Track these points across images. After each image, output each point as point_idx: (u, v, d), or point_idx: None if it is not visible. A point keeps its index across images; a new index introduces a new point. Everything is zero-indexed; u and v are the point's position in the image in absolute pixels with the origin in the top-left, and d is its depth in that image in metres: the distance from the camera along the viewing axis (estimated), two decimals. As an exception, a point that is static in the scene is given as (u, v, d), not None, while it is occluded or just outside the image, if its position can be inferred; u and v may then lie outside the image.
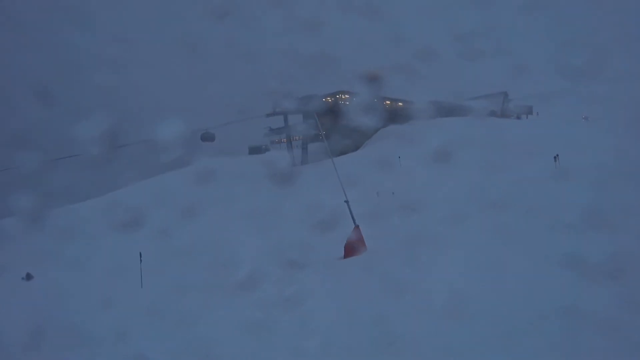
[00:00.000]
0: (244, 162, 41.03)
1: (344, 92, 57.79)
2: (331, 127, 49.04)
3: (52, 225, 17.51)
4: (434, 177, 22.07)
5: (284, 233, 14.44)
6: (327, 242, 12.12)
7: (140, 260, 11.13)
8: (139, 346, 6.95)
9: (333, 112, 54.06)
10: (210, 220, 17.47)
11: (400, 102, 60.63)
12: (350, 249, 12.42)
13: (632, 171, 14.23)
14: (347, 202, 13.42)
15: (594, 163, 17.40)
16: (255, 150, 57.50)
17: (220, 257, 12.56)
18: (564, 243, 9.50)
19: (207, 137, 52.42)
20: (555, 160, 22.12)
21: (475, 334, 6.36)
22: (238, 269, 10.92)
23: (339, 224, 13.20)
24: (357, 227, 12.86)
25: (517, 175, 19.61)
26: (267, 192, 22.16)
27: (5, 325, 8.19)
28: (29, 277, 13.30)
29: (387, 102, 60.75)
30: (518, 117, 62.47)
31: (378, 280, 8.73)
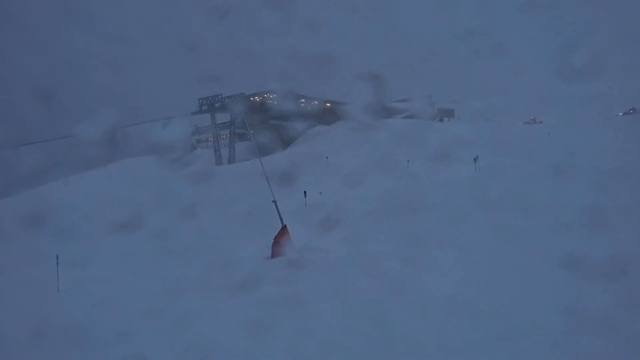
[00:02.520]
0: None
1: (271, 92, 57.41)
2: (259, 126, 48.94)
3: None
4: (361, 177, 22.57)
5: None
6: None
7: (57, 263, 10.93)
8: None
9: (261, 111, 54.02)
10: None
11: (329, 102, 60.99)
12: (278, 249, 12.49)
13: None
14: (274, 202, 13.43)
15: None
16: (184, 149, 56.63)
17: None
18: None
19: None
20: (475, 162, 23.32)
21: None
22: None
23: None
24: (284, 226, 12.96)
25: (439, 178, 20.22)
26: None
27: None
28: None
29: (315, 102, 60.96)
30: (441, 120, 64.05)
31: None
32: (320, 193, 21.93)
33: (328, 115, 56.60)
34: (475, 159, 23.79)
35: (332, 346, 6.49)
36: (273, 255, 12.41)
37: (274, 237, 12.47)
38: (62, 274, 10.89)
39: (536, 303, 7.09)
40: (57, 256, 11.01)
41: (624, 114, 54.71)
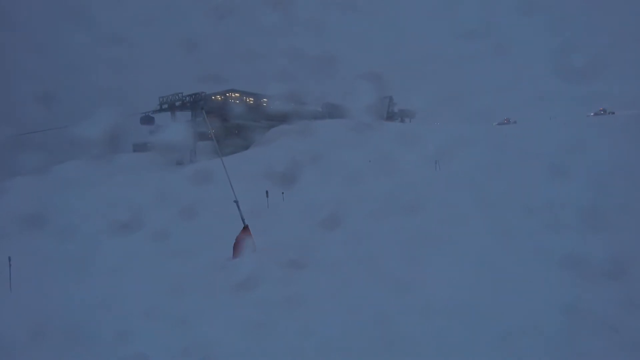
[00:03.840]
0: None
1: (234, 91, 57.00)
2: (221, 126, 48.57)
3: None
4: (322, 177, 22.88)
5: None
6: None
7: (10, 265, 10.89)
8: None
9: (223, 110, 53.69)
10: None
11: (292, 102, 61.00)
12: (238, 249, 12.52)
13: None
14: (236, 202, 13.41)
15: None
16: (139, 147, 55.23)
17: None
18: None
19: (147, 120, 52.71)
20: (435, 165, 23.93)
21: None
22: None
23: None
24: (246, 226, 12.98)
25: (400, 180, 20.54)
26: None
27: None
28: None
29: (278, 102, 60.93)
30: (402, 120, 64.25)
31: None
32: (283, 193, 22.22)
33: (289, 115, 56.56)
34: (435, 162, 24.34)
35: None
36: (234, 256, 12.48)
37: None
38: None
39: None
40: (9, 258, 10.97)
41: (595, 114, 57.45)
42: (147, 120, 53.69)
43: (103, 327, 7.83)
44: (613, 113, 54.84)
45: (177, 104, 55.33)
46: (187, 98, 55.31)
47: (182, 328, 7.50)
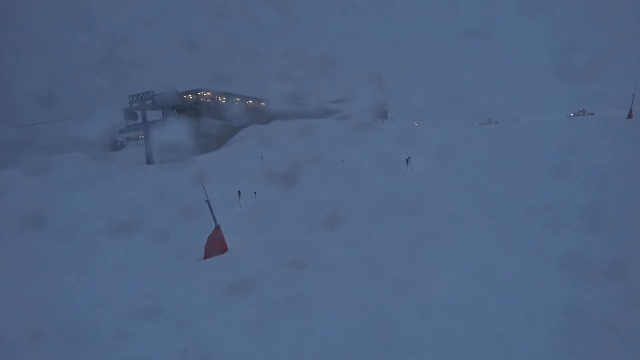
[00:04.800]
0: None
1: (205, 90, 56.43)
2: (193, 125, 47.86)
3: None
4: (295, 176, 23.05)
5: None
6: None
7: None
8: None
9: (194, 109, 53.03)
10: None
11: (263, 102, 60.60)
12: (210, 250, 12.55)
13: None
14: (207, 201, 13.38)
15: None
16: (110, 146, 54.54)
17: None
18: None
19: (130, 115, 52.33)
20: (407, 163, 24.04)
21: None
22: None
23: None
24: (218, 227, 12.97)
25: (370, 180, 20.73)
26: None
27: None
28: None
29: (250, 102, 60.51)
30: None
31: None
32: (255, 193, 22.30)
33: (263, 114, 56.16)
34: (407, 160, 24.45)
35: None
36: (206, 257, 12.46)
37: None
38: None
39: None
40: None
41: (575, 114, 59.46)
42: (131, 115, 53.09)
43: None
44: (592, 114, 55.88)
45: (148, 102, 54.35)
46: (158, 96, 54.44)
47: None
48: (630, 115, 31.14)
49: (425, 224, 12.45)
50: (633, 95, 32.03)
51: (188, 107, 53.53)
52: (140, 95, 53.91)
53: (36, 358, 7.05)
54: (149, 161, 49.07)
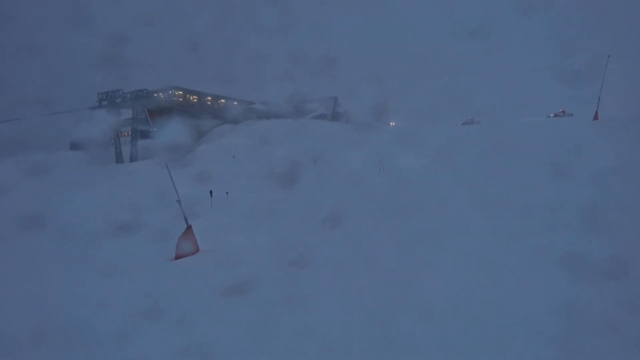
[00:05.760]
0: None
1: (177, 88, 55.71)
2: (163, 124, 47.18)
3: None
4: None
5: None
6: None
7: None
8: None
9: (165, 108, 52.34)
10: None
11: (236, 101, 60.20)
12: (182, 251, 12.51)
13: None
14: (179, 201, 13.31)
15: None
16: (77, 145, 52.41)
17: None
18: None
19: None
20: (379, 165, 24.44)
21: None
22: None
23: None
24: (189, 227, 12.93)
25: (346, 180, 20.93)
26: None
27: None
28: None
29: (222, 100, 60.11)
30: (347, 121, 64.31)
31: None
32: (227, 193, 22.42)
33: (234, 114, 55.75)
34: (380, 162, 24.85)
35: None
36: (177, 257, 12.41)
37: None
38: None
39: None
40: None
41: (555, 115, 61.25)
42: (77, 145, 51.80)
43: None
44: (572, 115, 56.52)
45: (118, 100, 53.37)
46: (129, 95, 53.46)
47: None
48: (596, 117, 31.74)
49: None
50: (599, 97, 32.71)
51: (159, 106, 52.73)
52: (110, 93, 52.79)
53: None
54: (119, 160, 48.46)
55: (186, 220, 13.14)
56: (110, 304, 9.06)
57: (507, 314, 6.83)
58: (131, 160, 48.00)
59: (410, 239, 11.27)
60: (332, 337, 6.72)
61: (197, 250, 12.86)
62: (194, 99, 58.13)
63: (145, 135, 49.28)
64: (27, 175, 27.69)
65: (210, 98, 58.90)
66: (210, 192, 21.70)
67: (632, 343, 5.87)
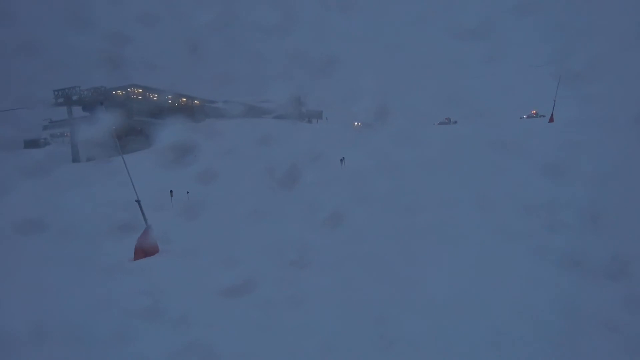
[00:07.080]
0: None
1: (136, 86, 54.91)
2: (122, 122, 46.71)
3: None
4: (230, 174, 23.17)
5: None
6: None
7: None
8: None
9: (124, 106, 51.35)
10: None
11: (197, 100, 59.66)
12: (141, 251, 12.42)
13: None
14: (138, 201, 13.19)
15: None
16: (31, 143, 52.05)
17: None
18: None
19: (31, 144, 51.11)
20: (341, 163, 24.77)
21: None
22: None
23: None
24: (148, 227, 12.85)
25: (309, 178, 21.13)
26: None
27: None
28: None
29: (183, 99, 59.61)
30: (309, 121, 64.40)
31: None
32: (188, 192, 22.41)
33: (196, 113, 55.55)
34: (341, 160, 25.11)
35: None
36: (136, 258, 12.33)
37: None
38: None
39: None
40: None
41: (528, 116, 62.91)
42: (32, 143, 50.56)
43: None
44: (543, 116, 57.07)
45: (74, 98, 52.35)
46: (86, 92, 52.60)
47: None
48: (551, 119, 32.23)
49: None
50: (554, 100, 33.21)
51: (118, 104, 52.21)
52: (66, 90, 51.87)
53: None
54: (75, 159, 47.76)
55: (145, 220, 13.07)
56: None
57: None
58: (87, 160, 47.15)
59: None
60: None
61: (157, 251, 12.79)
62: (153, 96, 57.41)
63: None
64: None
65: (171, 96, 58.35)
66: (171, 191, 21.63)
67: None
